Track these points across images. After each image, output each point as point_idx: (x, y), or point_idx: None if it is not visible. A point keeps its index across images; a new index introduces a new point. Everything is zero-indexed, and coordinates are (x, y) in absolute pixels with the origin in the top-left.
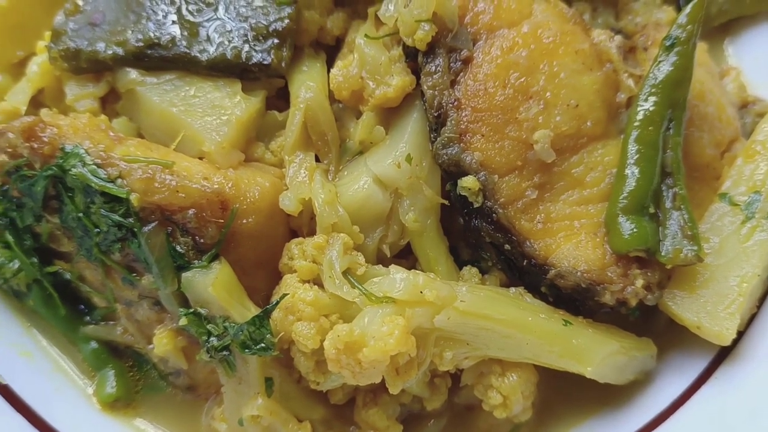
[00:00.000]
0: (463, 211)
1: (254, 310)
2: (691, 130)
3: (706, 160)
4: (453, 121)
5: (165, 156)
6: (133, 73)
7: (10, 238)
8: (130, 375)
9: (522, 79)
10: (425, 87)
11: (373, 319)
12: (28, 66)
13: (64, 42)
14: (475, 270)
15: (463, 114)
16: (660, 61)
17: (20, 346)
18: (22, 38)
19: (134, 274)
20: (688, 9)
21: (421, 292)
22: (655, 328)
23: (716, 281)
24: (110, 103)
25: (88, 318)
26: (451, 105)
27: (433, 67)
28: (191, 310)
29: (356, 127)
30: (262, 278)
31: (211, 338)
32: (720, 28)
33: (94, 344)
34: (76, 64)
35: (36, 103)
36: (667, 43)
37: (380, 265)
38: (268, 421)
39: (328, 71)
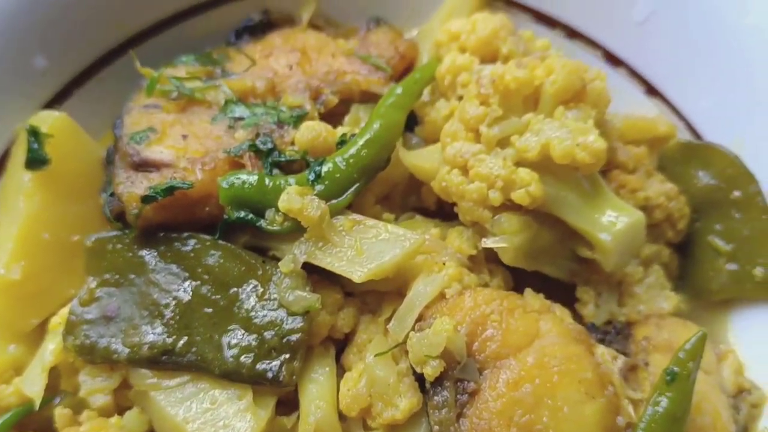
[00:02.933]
0: None
1: None
2: None
3: None
4: None
5: None
6: (147, 376)
7: None
8: None
9: (526, 417)
10: (432, 421)
11: None
12: (43, 349)
13: (78, 335)
14: None
15: None
16: (660, 394)
17: None
18: (37, 307)
19: None
20: (688, 345)
21: None
22: None
23: None
24: (123, 387)
25: None
26: None
27: (440, 401)
28: None
29: None
30: None
31: None
32: (722, 303)
33: None
34: (90, 358)
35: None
36: (668, 378)
37: None
38: None
39: (337, 365)
